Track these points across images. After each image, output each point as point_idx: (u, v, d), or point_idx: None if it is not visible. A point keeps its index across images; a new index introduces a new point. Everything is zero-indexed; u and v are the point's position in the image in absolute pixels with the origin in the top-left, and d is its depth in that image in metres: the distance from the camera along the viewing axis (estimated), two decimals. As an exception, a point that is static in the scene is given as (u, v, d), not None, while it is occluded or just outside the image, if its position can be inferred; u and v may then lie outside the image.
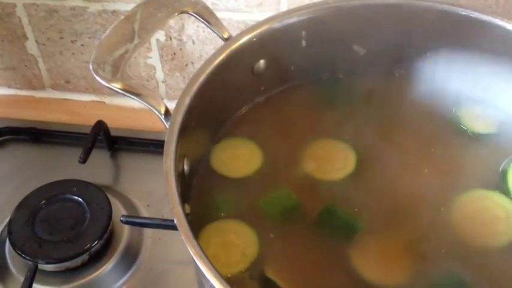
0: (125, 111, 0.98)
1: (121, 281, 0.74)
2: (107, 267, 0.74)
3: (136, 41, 0.56)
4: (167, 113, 0.55)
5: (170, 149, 0.52)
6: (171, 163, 0.51)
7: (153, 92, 0.55)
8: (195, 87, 0.57)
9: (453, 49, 0.68)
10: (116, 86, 0.53)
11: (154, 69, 0.92)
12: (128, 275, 0.74)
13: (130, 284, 0.74)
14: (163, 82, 0.94)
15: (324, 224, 0.58)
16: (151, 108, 0.54)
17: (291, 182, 0.62)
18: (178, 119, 0.54)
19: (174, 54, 0.89)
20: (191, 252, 0.47)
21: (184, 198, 0.52)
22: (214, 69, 0.59)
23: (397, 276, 0.54)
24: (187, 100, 0.56)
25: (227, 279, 0.45)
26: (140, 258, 0.76)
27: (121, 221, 0.72)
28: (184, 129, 0.55)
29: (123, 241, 0.76)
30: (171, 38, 0.88)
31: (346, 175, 0.62)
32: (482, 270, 0.55)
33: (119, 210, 0.78)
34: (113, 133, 0.89)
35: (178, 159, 0.53)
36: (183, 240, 0.57)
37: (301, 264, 0.56)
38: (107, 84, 0.53)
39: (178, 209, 0.49)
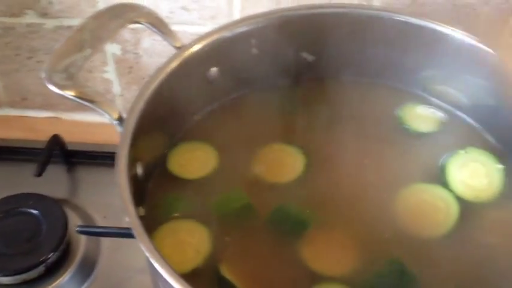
0: (81, 126, 0.98)
1: (79, 291, 0.74)
2: (64, 278, 0.74)
3: (88, 50, 0.58)
4: (121, 119, 0.56)
5: (122, 154, 0.53)
6: (123, 167, 0.52)
7: (107, 99, 0.57)
8: (148, 93, 0.58)
9: (398, 54, 0.72)
10: (69, 93, 0.55)
11: (111, 83, 0.93)
12: (85, 285, 0.75)
13: (86, 295, 0.74)
14: (120, 96, 0.95)
15: (276, 222, 0.60)
16: (105, 114, 0.56)
17: (244, 184, 0.64)
18: (132, 124, 0.56)
19: (131, 67, 0.91)
20: (145, 251, 0.48)
21: (138, 201, 0.54)
22: (167, 76, 0.61)
23: (344, 267, 0.57)
24: (140, 106, 0.57)
25: (182, 277, 0.46)
26: (98, 269, 0.76)
27: (77, 231, 0.73)
28: (138, 134, 0.57)
29: (80, 252, 0.77)
30: (127, 52, 0.89)
31: (296, 177, 0.65)
32: (424, 258, 0.58)
33: (75, 222, 0.78)
34: (69, 147, 0.90)
35: (132, 163, 0.55)
36: (139, 246, 0.59)
37: (254, 261, 0.58)
38: (59, 92, 0.54)
39: (131, 208, 0.50)
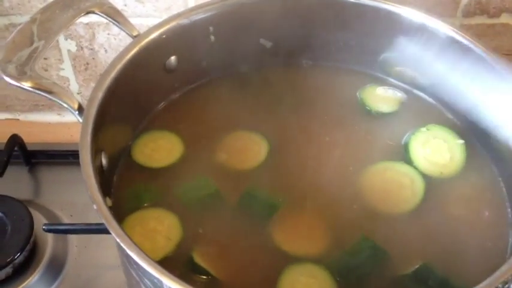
0: (40, 126, 0.96)
1: (49, 291, 0.72)
2: (33, 279, 0.72)
3: (41, 41, 0.56)
4: (80, 108, 0.55)
5: (85, 142, 0.52)
6: (87, 155, 0.51)
7: (65, 89, 0.56)
8: (106, 83, 0.58)
9: (356, 37, 0.72)
10: (26, 84, 0.54)
11: (68, 80, 0.92)
12: (55, 284, 0.73)
13: (55, 295, 0.73)
14: (78, 94, 0.93)
15: (245, 207, 0.60)
16: (64, 104, 0.55)
17: (210, 171, 0.64)
18: (92, 113, 0.55)
19: (87, 64, 0.90)
20: (115, 237, 0.47)
21: (105, 192, 0.53)
22: (125, 65, 0.60)
23: (315, 247, 0.57)
24: (99, 95, 0.56)
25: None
26: (67, 267, 0.75)
27: (43, 229, 0.71)
28: (100, 124, 0.56)
29: (48, 251, 0.75)
30: (82, 48, 0.88)
31: (261, 162, 0.65)
32: (393, 234, 0.59)
33: (41, 222, 0.76)
34: (30, 148, 0.88)
35: (95, 152, 0.54)
36: (107, 242, 0.58)
37: (226, 246, 0.58)
38: (16, 83, 0.53)
39: (99, 197, 0.49)
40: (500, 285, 0.47)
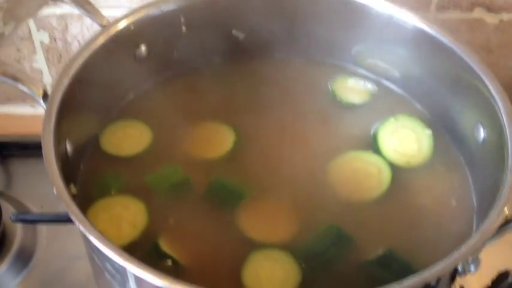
0: (13, 119, 0.96)
1: (16, 281, 0.72)
2: (1, 269, 0.72)
3: (7, 27, 0.56)
4: (46, 95, 0.55)
5: (48, 128, 0.52)
6: (49, 141, 0.51)
7: (31, 76, 0.55)
8: (72, 70, 0.57)
9: (327, 30, 0.73)
10: (-10, 70, 0.53)
11: (41, 73, 0.91)
12: (22, 274, 0.73)
13: (26, 284, 0.72)
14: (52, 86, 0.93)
15: (212, 195, 0.60)
16: (29, 91, 0.55)
17: (178, 160, 0.64)
18: (56, 99, 0.55)
19: (61, 56, 0.89)
20: (79, 227, 0.47)
21: (70, 179, 0.53)
22: (93, 53, 0.60)
23: (281, 234, 0.57)
24: (65, 82, 0.56)
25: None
26: (35, 258, 0.75)
27: (11, 219, 0.70)
28: (65, 111, 0.56)
29: (16, 242, 0.75)
30: (55, 40, 0.87)
31: (229, 152, 0.65)
32: (359, 221, 0.59)
33: (10, 212, 0.76)
34: (1, 140, 0.87)
35: (59, 139, 0.54)
36: (76, 232, 0.58)
37: (192, 233, 0.58)
38: (-21, 69, 0.53)
39: (60, 183, 0.49)
40: (459, 266, 0.47)
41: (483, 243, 0.47)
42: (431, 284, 0.50)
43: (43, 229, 0.77)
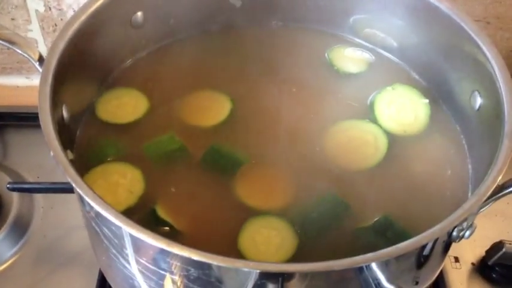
0: (9, 89, 0.95)
1: (13, 251, 0.73)
2: (-2, 237, 0.72)
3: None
4: (41, 59, 0.55)
5: (44, 92, 0.52)
6: (46, 104, 0.51)
7: (27, 39, 0.55)
8: (69, 34, 0.57)
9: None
10: (-16, 34, 0.53)
11: (36, 42, 0.90)
12: (20, 243, 0.73)
13: (23, 252, 0.73)
14: (47, 55, 0.92)
15: (209, 162, 0.60)
16: (25, 54, 0.54)
17: (174, 127, 0.64)
18: (52, 63, 0.54)
19: (56, 25, 0.88)
20: (76, 189, 0.47)
21: (67, 145, 0.53)
22: (89, 17, 0.59)
23: (278, 201, 0.58)
24: (61, 45, 0.56)
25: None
26: (32, 227, 0.75)
27: (7, 187, 0.71)
28: (61, 76, 0.55)
29: (13, 211, 0.75)
30: (50, 8, 0.86)
31: (224, 119, 0.65)
32: (356, 188, 0.59)
33: (6, 182, 0.76)
34: (-3, 110, 0.87)
35: (56, 104, 0.53)
36: (74, 201, 0.58)
37: (189, 200, 0.58)
38: (-27, 32, 0.52)
39: (57, 146, 0.49)
40: (455, 229, 0.48)
41: (478, 208, 0.47)
42: (426, 249, 0.50)
43: (40, 198, 0.77)
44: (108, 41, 0.64)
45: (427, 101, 0.67)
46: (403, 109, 0.66)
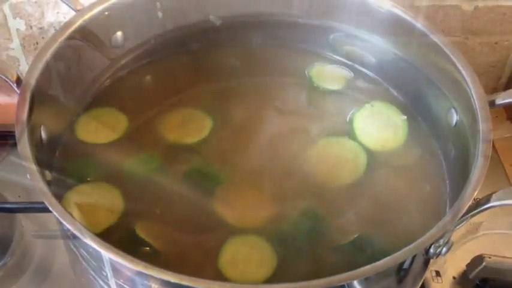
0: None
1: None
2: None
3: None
4: (19, 80, 0.55)
5: (22, 114, 0.52)
6: (23, 127, 0.51)
7: (4, 61, 0.55)
8: (47, 55, 0.57)
9: (304, 17, 0.73)
10: (-39, 55, 0.52)
11: (18, 61, 0.90)
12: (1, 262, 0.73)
13: (6, 270, 0.72)
14: (28, 74, 0.92)
15: (189, 181, 0.60)
16: (2, 76, 0.54)
17: (154, 146, 0.64)
18: (30, 84, 0.54)
19: (37, 43, 0.88)
20: (53, 211, 0.47)
21: (45, 165, 0.53)
22: (68, 37, 0.60)
23: (258, 219, 0.58)
24: (39, 66, 0.56)
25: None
26: (13, 246, 0.74)
27: (-12, 208, 0.70)
28: (39, 97, 0.55)
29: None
30: (31, 27, 0.86)
31: (204, 137, 0.65)
32: (334, 206, 0.60)
33: (-14, 203, 0.75)
34: (-23, 129, 0.86)
35: (34, 125, 0.54)
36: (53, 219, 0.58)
37: (169, 219, 0.58)
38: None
39: (34, 169, 0.49)
40: (431, 246, 0.48)
41: (453, 225, 0.48)
42: (405, 265, 0.51)
43: (21, 219, 0.77)
44: (87, 60, 0.64)
45: (405, 117, 0.67)
46: (382, 125, 0.67)
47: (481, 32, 0.89)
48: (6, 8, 0.83)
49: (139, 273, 0.45)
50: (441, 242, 0.49)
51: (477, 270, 0.70)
